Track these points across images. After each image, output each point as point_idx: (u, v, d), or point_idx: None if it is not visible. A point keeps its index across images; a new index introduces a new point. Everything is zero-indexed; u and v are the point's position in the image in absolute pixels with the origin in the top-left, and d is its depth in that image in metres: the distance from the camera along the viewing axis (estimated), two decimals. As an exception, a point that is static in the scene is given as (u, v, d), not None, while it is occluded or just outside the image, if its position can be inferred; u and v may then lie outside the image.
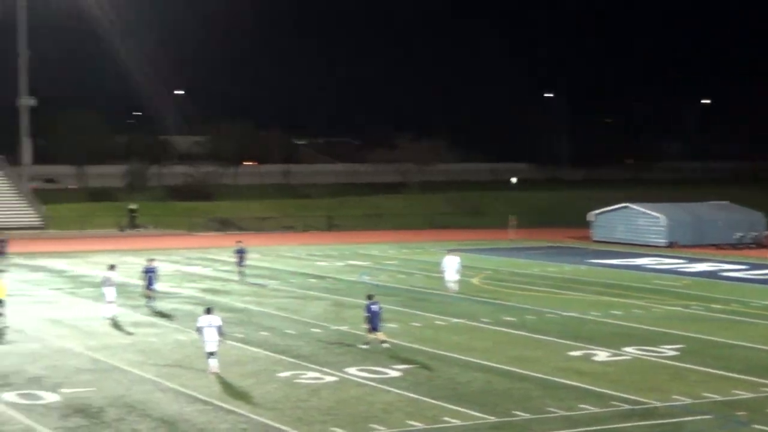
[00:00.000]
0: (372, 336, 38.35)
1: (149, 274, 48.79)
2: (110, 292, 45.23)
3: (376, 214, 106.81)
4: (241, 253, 60.08)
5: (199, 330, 33.87)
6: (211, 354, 33.38)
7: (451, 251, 55.91)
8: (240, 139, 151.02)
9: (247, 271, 60.31)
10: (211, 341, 33.34)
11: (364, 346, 38.18)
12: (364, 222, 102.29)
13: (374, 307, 38.34)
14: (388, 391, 31.70)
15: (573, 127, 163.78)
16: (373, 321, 38.19)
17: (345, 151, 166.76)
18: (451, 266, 53.29)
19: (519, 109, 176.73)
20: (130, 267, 65.78)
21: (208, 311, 34.20)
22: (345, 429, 27.45)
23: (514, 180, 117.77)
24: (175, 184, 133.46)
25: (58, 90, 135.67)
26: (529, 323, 44.92)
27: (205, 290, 55.90)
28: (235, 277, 59.91)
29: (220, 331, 33.66)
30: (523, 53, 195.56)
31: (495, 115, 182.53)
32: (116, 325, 43.84)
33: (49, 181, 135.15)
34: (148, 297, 48.76)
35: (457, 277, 53.59)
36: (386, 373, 34.19)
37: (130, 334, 41.86)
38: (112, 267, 46.48)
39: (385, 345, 38.14)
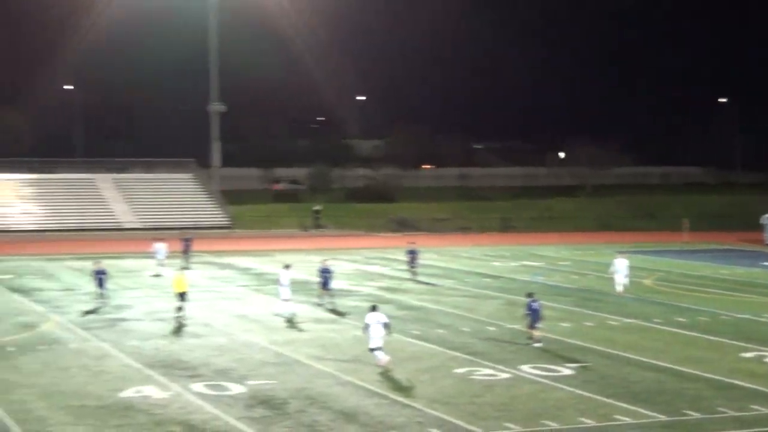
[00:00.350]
0: (534, 332, 38.46)
1: (325, 274, 49.18)
2: (285, 291, 45.85)
3: (550, 216, 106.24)
4: (413, 253, 60.30)
5: (365, 327, 34.09)
6: (375, 349, 33.54)
7: (620, 253, 55.26)
8: (419, 143, 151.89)
9: (419, 270, 60.50)
10: (377, 337, 33.53)
11: (537, 345, 38.10)
12: (538, 224, 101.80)
13: (534, 305, 38.40)
14: (561, 389, 31.54)
15: (746, 131, 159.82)
16: (532, 318, 38.28)
17: (521, 155, 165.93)
18: (621, 268, 52.67)
19: (692, 113, 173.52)
20: (312, 266, 66.78)
21: (374, 309, 34.40)
22: (518, 424, 27.41)
23: None
24: (356, 187, 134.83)
25: (247, 96, 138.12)
26: (702, 324, 44.08)
27: (383, 288, 56.34)
28: (409, 276, 60.21)
29: (387, 328, 33.90)
30: (698, 58, 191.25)
31: (668, 119, 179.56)
32: (298, 321, 44.50)
33: (294, 182, 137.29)
34: (322, 296, 49.07)
35: (626, 280, 52.93)
36: (559, 371, 34.01)
37: (311, 329, 42.46)
38: (287, 266, 46.96)
39: (537, 345, 38.12)
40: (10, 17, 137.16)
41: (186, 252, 65.12)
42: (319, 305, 48.59)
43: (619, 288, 52.33)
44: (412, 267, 60.20)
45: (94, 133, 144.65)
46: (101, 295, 47.84)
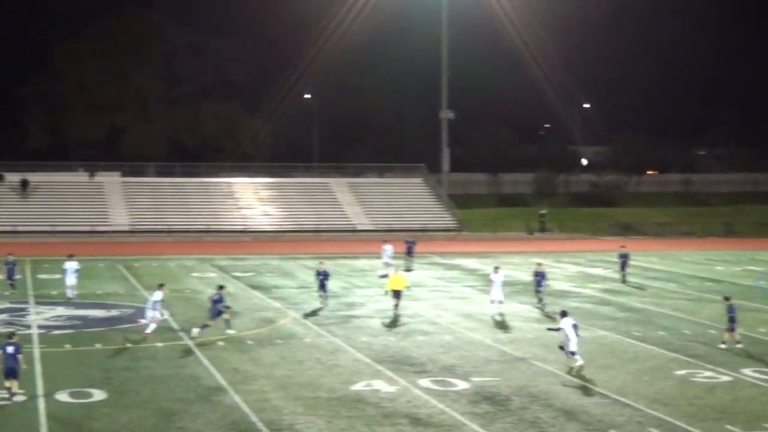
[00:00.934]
0: (728, 336, 37.40)
1: (538, 278, 48.67)
2: (496, 293, 45.28)
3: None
4: (624, 257, 59.14)
5: (561, 330, 33.40)
6: (573, 353, 32.85)
7: None
8: (642, 150, 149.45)
9: (630, 273, 59.28)
10: (572, 341, 32.84)
11: (722, 346, 37.05)
12: (761, 229, 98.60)
13: (732, 308, 37.47)
14: (783, 393, 30.60)
15: None
16: (732, 321, 37.30)
17: (743, 161, 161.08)
18: None
19: None
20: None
21: (564, 314, 33.51)
22: (738, 427, 26.62)
23: None
24: (579, 192, 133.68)
25: (475, 103, 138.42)
26: None
27: (604, 290, 55.50)
28: (632, 279, 59.11)
29: (576, 332, 33.06)
30: None
31: None
32: (519, 320, 44.34)
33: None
34: (540, 299, 48.44)
35: None
36: (782, 376, 33.01)
37: (533, 329, 42.12)
38: (497, 269, 46.47)
39: (739, 345, 37.16)
40: (256, 33, 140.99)
41: (409, 254, 65.26)
42: (537, 306, 48.22)
43: None
44: (623, 271, 58.97)
45: (331, 140, 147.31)
46: (321, 297, 47.92)
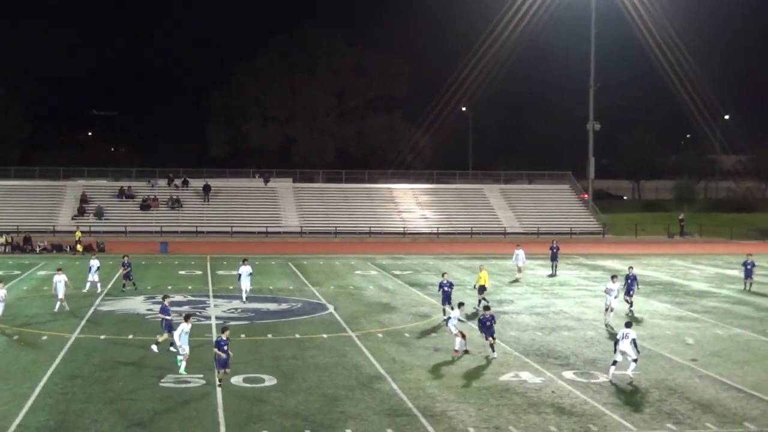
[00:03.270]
0: None
1: (629, 281, 45.68)
2: (611, 300, 42.63)
3: None
4: (749, 265, 55.47)
5: (617, 342, 31.12)
6: (634, 360, 30.68)
7: None
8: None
9: (754, 281, 55.78)
10: (628, 351, 30.61)
11: None
12: None
13: None
14: None
15: None
16: None
17: None
18: None
19: None
20: (677, 269, 65.47)
21: (628, 325, 31.37)
22: None
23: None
24: (718, 198, 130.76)
25: (621, 113, 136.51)
26: None
27: (740, 291, 54.07)
28: (758, 288, 56.92)
29: (634, 344, 30.61)
30: None
31: None
32: (662, 317, 43.56)
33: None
34: (629, 303, 45.00)
35: None
36: None
37: (672, 326, 41.33)
38: (614, 278, 43.78)
39: None
40: (417, 50, 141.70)
41: (554, 259, 62.39)
42: (682, 304, 47.26)
43: None
44: (747, 278, 55.36)
45: (485, 149, 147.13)
46: (443, 311, 42.51)
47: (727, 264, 69.14)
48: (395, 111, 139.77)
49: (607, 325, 41.19)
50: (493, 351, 33.86)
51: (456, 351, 34.26)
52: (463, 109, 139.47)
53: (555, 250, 62.01)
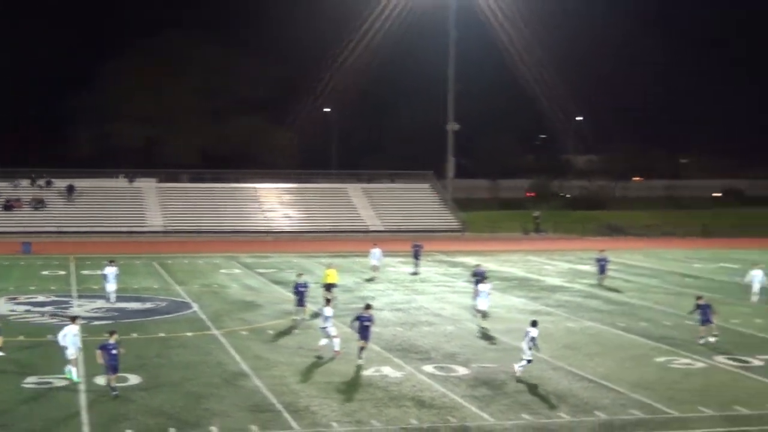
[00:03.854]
0: (703, 330, 36.67)
1: (601, 263, 47.71)
2: (482, 302, 41.39)
3: (750, 224, 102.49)
4: (602, 261, 56.03)
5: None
6: (528, 360, 30.52)
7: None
8: (629, 158, 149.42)
9: (607, 278, 56.19)
10: (523, 348, 30.69)
11: (702, 341, 36.47)
12: (737, 231, 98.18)
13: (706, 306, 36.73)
14: (753, 378, 30.54)
15: None
16: (705, 318, 36.61)
17: (723, 168, 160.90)
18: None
19: None
20: (531, 265, 66.70)
21: (533, 324, 31.18)
22: (712, 409, 26.61)
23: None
24: (572, 196, 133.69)
25: (478, 115, 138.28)
26: None
27: (592, 285, 55.27)
28: (615, 275, 58.50)
29: (533, 342, 30.34)
30: None
31: None
32: (516, 312, 44.28)
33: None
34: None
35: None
36: (750, 362, 32.90)
37: (527, 320, 42.00)
38: (484, 279, 43.54)
39: (702, 341, 36.33)
40: (280, 52, 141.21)
41: (416, 257, 62.16)
42: (536, 299, 48.14)
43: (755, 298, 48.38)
44: (601, 274, 55.75)
45: (347, 149, 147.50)
46: (298, 311, 41.37)
47: (579, 259, 70.64)
48: (261, 112, 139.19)
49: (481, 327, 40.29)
50: (361, 355, 32.46)
51: (336, 351, 33.04)
52: (328, 110, 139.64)
53: (417, 249, 62.16)
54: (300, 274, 43.61)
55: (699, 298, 37.87)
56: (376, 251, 59.34)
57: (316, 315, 39.44)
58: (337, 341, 33.16)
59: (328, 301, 36.81)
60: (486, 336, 38.02)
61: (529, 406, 27.02)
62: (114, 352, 28.10)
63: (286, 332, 38.42)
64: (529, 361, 30.32)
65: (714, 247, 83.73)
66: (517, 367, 30.46)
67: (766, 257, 68.36)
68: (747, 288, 49.13)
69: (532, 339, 30.25)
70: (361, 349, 32.52)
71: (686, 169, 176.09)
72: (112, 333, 28.89)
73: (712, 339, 36.49)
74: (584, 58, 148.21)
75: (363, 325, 32.62)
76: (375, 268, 58.87)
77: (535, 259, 70.95)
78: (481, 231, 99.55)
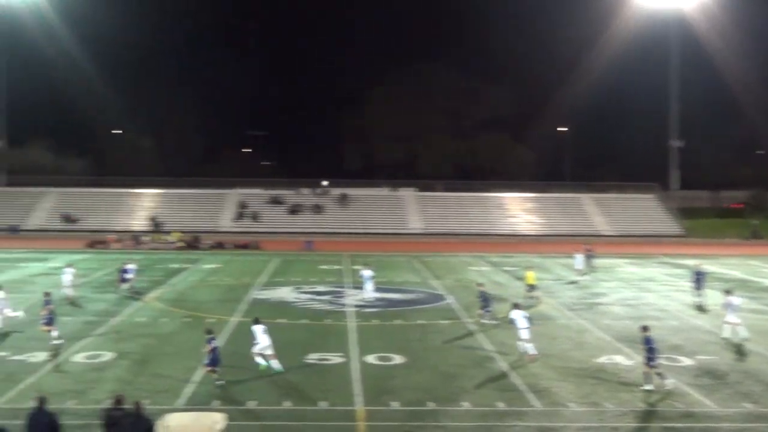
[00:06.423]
0: None
1: (698, 276, 45.29)
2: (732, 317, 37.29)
3: None
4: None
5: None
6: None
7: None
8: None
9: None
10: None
11: None
12: None
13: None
14: None
15: None
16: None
17: None
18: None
19: None
20: (751, 268, 63.80)
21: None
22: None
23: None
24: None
25: (701, 129, 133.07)
26: None
27: (811, 288, 52.36)
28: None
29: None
30: None
31: None
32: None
33: None
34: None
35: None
36: None
37: (747, 318, 40.20)
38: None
39: None
40: (519, 77, 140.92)
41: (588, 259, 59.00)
42: (755, 299, 45.93)
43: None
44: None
45: (580, 162, 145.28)
46: (484, 315, 38.51)
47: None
48: (503, 129, 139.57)
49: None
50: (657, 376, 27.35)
51: (533, 354, 30.51)
52: (563, 129, 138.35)
53: (589, 251, 59.71)
54: (481, 284, 42.10)
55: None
56: (579, 256, 57.45)
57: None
58: (530, 346, 30.74)
59: (516, 305, 34.05)
60: (707, 331, 36.62)
61: (750, 396, 25.95)
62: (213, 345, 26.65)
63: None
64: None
65: None
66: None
67: None
68: None
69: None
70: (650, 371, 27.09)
71: None
72: (209, 331, 27.44)
73: None
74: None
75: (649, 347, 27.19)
76: (579, 272, 56.71)
77: (754, 263, 67.69)
78: (702, 236, 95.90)
